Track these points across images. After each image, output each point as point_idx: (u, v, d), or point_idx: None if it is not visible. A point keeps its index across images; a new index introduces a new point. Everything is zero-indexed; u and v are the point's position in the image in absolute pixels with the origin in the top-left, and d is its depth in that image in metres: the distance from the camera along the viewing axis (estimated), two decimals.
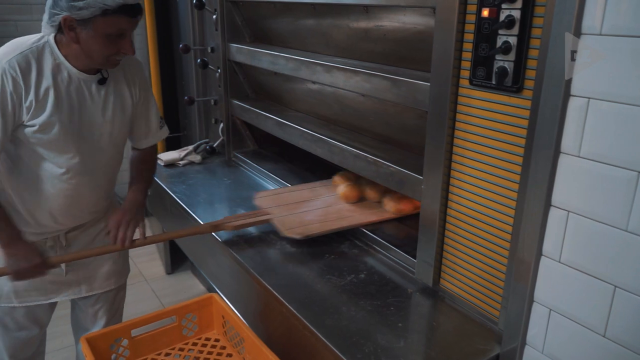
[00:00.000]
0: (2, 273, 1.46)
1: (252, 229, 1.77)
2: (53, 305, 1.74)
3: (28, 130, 1.40)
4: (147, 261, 3.15)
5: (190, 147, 2.44)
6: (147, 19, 2.86)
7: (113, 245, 1.55)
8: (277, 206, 1.84)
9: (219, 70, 2.35)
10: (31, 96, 1.37)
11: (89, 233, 1.69)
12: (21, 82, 1.35)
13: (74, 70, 1.42)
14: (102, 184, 1.60)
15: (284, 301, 1.37)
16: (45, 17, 1.36)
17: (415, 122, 1.56)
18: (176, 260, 3.05)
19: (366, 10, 1.61)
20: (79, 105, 1.45)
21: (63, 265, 1.64)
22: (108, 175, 1.62)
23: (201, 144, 2.47)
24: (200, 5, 2.32)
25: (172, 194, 2.07)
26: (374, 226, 1.69)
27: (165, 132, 1.73)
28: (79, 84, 1.44)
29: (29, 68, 1.36)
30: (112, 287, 1.80)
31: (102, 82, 1.48)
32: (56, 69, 1.40)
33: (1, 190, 1.52)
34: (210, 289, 2.68)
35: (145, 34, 2.95)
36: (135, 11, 1.35)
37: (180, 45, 2.44)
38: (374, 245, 1.63)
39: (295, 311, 1.32)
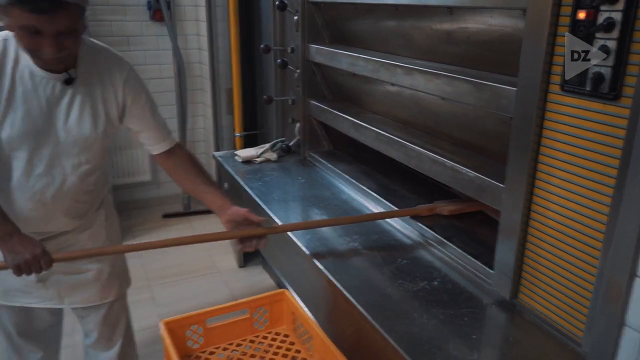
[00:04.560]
0: (2, 267, 1.39)
1: (326, 229, 1.78)
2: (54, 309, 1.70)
3: None
4: (221, 254, 3.26)
5: (267, 145, 2.50)
6: (231, 20, 2.96)
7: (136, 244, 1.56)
8: None
9: (298, 71, 2.39)
10: None
11: (69, 242, 1.59)
12: None
13: (34, 67, 1.34)
14: (71, 192, 1.48)
15: (355, 303, 1.36)
16: None
17: (497, 127, 1.50)
18: (248, 254, 3.14)
19: (450, 11, 1.57)
20: (38, 103, 1.35)
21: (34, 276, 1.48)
22: (79, 184, 1.50)
23: (277, 142, 2.53)
24: (283, 7, 2.36)
25: (248, 190, 2.12)
26: (447, 233, 1.65)
27: (172, 136, 1.62)
28: (42, 81, 1.35)
29: None
30: (98, 302, 1.68)
31: (68, 82, 1.38)
32: (19, 64, 1.33)
33: None
34: (280, 285, 2.73)
35: (228, 34, 3.05)
36: (39, 8, 1.15)
37: (262, 46, 2.50)
38: (449, 253, 1.59)
39: (365, 313, 1.31)
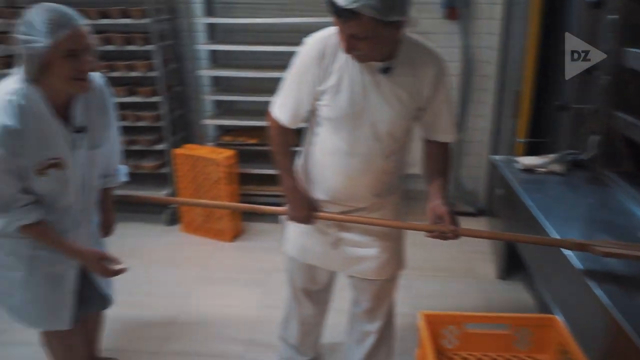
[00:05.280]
0: (282, 213, 1.81)
1: (618, 263, 1.54)
2: (333, 273, 1.95)
3: (318, 103, 1.62)
4: (480, 260, 3.18)
5: (554, 156, 2.30)
6: (532, 18, 2.79)
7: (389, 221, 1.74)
8: None
9: (606, 77, 2.11)
10: (322, 73, 1.57)
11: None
12: (317, 63, 1.56)
13: None
14: (376, 170, 1.68)
15: None
16: None
17: None
18: (510, 266, 2.97)
19: None
20: (358, 88, 1.55)
21: (333, 237, 1.79)
22: (383, 163, 1.68)
23: (568, 154, 2.30)
24: (598, 5, 2.11)
25: (526, 200, 1.99)
26: None
27: (454, 136, 1.72)
28: (364, 69, 1.54)
29: (326, 51, 1.56)
30: (374, 277, 1.83)
31: (385, 71, 1.54)
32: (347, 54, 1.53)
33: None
34: (542, 308, 2.52)
35: (524, 33, 2.89)
36: (342, 14, 1.40)
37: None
38: None
39: None
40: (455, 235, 1.58)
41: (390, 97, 1.57)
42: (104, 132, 1.72)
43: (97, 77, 1.67)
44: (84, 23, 1.48)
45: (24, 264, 1.67)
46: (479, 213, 3.77)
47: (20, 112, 1.45)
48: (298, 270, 1.95)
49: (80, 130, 1.60)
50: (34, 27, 1.40)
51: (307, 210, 1.74)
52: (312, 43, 1.60)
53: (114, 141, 1.82)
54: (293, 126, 1.74)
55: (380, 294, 1.91)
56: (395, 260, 1.88)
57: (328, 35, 1.58)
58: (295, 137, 1.82)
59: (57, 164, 1.55)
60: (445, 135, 1.71)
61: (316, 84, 1.60)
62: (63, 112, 1.56)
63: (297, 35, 1.62)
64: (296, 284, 1.99)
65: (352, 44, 1.44)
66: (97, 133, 1.68)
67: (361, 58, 1.51)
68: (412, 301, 2.75)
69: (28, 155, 1.48)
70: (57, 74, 1.46)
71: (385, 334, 2.01)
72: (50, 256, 1.68)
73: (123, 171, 1.93)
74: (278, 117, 1.72)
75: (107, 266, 1.69)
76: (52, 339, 1.88)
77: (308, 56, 1.59)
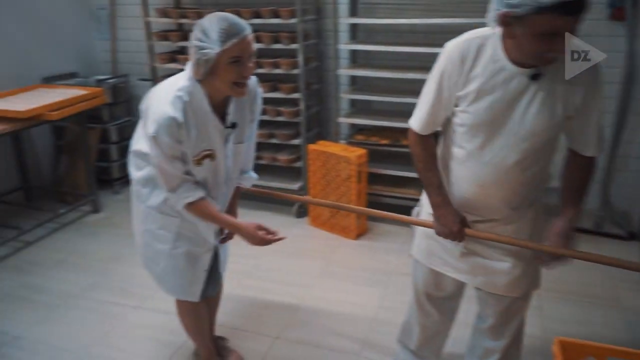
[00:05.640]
0: (429, 226, 1.75)
1: None
2: (459, 282, 1.84)
3: (456, 109, 1.56)
4: (628, 289, 2.84)
5: None
6: None
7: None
8: None
9: None
10: (462, 78, 1.51)
11: (501, 230, 1.66)
12: (457, 67, 1.50)
13: (507, 62, 1.45)
14: (511, 181, 1.57)
15: None
16: (490, 11, 1.42)
17: None
18: None
19: None
20: (502, 95, 1.47)
21: (462, 245, 1.71)
22: (520, 175, 1.56)
23: None
24: None
25: None
26: None
27: (601, 150, 1.57)
28: (509, 75, 1.46)
29: (467, 55, 1.49)
30: (503, 293, 1.72)
31: (534, 77, 1.45)
32: (490, 59, 1.47)
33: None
34: None
35: None
36: (573, 9, 1.27)
37: None
38: None
39: None
40: (557, 259, 1.53)
41: (538, 105, 1.47)
42: (248, 127, 1.87)
43: (252, 79, 1.80)
44: (250, 31, 1.61)
45: (171, 239, 1.88)
46: (630, 237, 3.37)
47: (186, 107, 1.62)
48: (422, 274, 1.90)
49: (232, 126, 1.76)
50: (208, 35, 1.56)
51: (457, 226, 1.66)
52: (453, 47, 1.54)
53: (253, 142, 1.98)
54: (427, 133, 1.68)
55: (508, 312, 1.79)
56: (529, 277, 1.74)
57: (470, 38, 1.52)
58: (434, 145, 1.75)
59: (210, 155, 1.73)
60: (592, 148, 1.57)
61: (456, 89, 1.54)
62: (220, 109, 1.73)
63: (441, 36, 1.58)
64: (419, 288, 1.94)
65: (554, 45, 1.33)
66: (243, 128, 1.84)
67: (548, 61, 1.40)
68: (544, 323, 2.54)
69: (189, 145, 1.66)
70: (221, 77, 1.61)
71: (511, 354, 1.88)
72: (192, 237, 1.89)
73: (253, 175, 2.07)
74: (415, 127, 1.68)
75: (264, 236, 1.82)
76: (184, 309, 2.11)
77: (448, 61, 1.53)
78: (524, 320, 1.87)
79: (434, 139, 1.72)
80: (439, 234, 1.70)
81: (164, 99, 1.62)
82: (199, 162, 1.70)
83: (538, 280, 1.80)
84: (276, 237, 1.83)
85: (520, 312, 1.82)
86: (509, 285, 1.71)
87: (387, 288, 2.91)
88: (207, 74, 1.61)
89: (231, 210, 2.01)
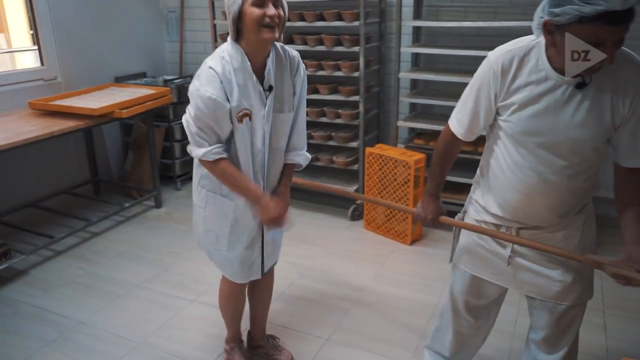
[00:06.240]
0: (409, 212, 1.99)
1: None
2: (502, 289, 1.80)
3: (499, 117, 1.56)
4: None
5: None
6: None
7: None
8: None
9: None
10: (503, 90, 1.50)
11: (542, 238, 1.62)
12: (499, 79, 1.49)
13: (551, 71, 1.43)
14: (557, 190, 1.53)
15: None
16: (535, 19, 1.40)
17: None
18: None
19: None
20: (547, 104, 1.44)
21: (507, 255, 1.69)
22: (567, 184, 1.52)
23: None
24: None
25: None
26: None
27: None
28: (554, 84, 1.43)
29: (510, 66, 1.48)
30: (555, 300, 1.66)
31: (579, 86, 1.41)
32: (535, 68, 1.45)
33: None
34: None
35: None
36: (618, 19, 1.23)
37: None
38: None
39: None
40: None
41: (584, 114, 1.43)
42: (289, 99, 1.90)
43: (294, 51, 1.90)
44: None
45: (229, 224, 1.93)
46: None
47: (226, 64, 1.72)
48: (462, 281, 1.86)
49: (269, 89, 1.81)
50: None
51: (432, 217, 1.86)
52: (496, 57, 1.51)
53: (300, 120, 1.99)
54: (467, 139, 1.69)
55: (561, 322, 1.71)
56: (582, 285, 1.67)
57: (513, 49, 1.50)
58: (460, 149, 1.79)
59: (249, 115, 1.79)
60: None
61: (496, 100, 1.53)
62: (258, 71, 1.78)
63: (508, 40, 1.53)
64: (457, 295, 1.89)
65: (615, 54, 1.31)
66: (283, 97, 1.88)
67: (593, 70, 1.35)
68: (608, 343, 2.38)
69: (232, 100, 1.73)
70: (248, 25, 1.67)
71: None
72: (247, 224, 1.94)
73: (305, 155, 2.06)
74: (454, 129, 1.69)
75: (280, 215, 1.85)
76: (227, 287, 2.15)
77: (490, 71, 1.52)
78: (579, 330, 1.78)
79: (461, 145, 1.75)
80: (415, 215, 1.92)
81: (208, 62, 1.74)
82: (240, 119, 1.77)
83: (591, 289, 1.72)
84: (287, 224, 1.90)
85: (574, 323, 1.74)
86: (561, 292, 1.65)
87: (441, 297, 2.84)
88: (239, 30, 1.71)
89: (280, 188, 2.01)
